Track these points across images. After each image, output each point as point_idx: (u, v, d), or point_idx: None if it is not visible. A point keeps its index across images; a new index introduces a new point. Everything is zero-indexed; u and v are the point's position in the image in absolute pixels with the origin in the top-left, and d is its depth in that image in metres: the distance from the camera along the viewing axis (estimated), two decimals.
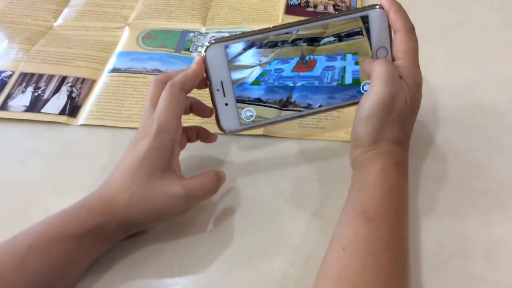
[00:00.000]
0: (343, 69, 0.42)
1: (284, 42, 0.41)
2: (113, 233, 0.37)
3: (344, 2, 0.62)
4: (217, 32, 0.59)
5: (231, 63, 0.40)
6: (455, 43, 0.57)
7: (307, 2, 0.62)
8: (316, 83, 0.42)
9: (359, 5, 0.61)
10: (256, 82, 0.42)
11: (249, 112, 0.42)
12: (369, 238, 0.34)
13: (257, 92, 0.42)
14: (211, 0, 0.64)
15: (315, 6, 0.61)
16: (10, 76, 0.54)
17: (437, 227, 0.40)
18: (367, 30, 0.42)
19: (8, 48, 0.58)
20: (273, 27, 0.41)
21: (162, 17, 0.62)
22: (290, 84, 0.42)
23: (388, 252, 0.33)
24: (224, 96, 0.41)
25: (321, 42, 0.42)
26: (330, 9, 0.61)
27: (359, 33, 0.42)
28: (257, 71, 0.41)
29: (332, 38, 0.42)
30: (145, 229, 0.41)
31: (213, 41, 0.40)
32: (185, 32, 0.59)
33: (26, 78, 0.54)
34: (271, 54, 0.41)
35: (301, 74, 0.42)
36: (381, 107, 0.38)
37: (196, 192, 0.38)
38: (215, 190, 0.39)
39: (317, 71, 0.42)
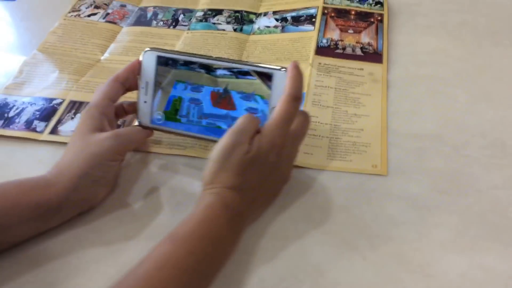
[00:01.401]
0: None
1: (202, 67, 0.48)
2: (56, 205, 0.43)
3: (371, 46, 0.65)
4: None
5: (158, 70, 0.49)
6: (478, 86, 0.60)
7: (336, 44, 0.66)
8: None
9: (385, 50, 0.65)
10: (175, 118, 0.50)
11: (159, 115, 0.50)
12: (163, 255, 0.37)
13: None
14: (246, 41, 0.69)
15: (344, 48, 0.65)
16: (60, 104, 0.59)
17: (460, 258, 0.42)
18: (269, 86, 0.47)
19: (59, 78, 0.62)
20: (200, 55, 0.49)
21: None
22: (224, 126, 0.49)
23: (174, 270, 0.36)
24: (146, 95, 0.50)
25: (235, 73, 0.48)
26: (358, 52, 0.65)
27: (268, 85, 0.47)
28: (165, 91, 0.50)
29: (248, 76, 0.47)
30: (94, 193, 0.46)
31: (148, 49, 0.50)
32: None
33: (75, 106, 0.58)
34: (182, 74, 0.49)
35: (229, 113, 0.48)
36: (220, 153, 0.42)
37: (123, 132, 0.47)
38: (143, 134, 0.49)
39: (241, 112, 0.48)
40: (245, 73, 0.48)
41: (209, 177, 0.43)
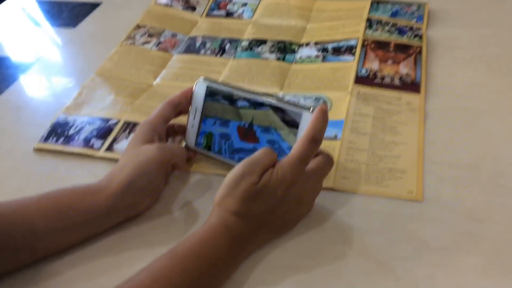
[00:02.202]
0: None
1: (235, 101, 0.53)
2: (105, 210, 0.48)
3: (409, 76, 0.68)
4: (293, 96, 0.67)
5: (206, 99, 0.54)
6: None
7: (375, 74, 0.69)
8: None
9: (423, 81, 0.67)
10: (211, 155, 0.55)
11: (202, 140, 0.55)
12: (159, 269, 0.40)
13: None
14: (288, 69, 0.73)
15: (382, 78, 0.68)
16: (116, 124, 0.64)
17: (491, 284, 0.44)
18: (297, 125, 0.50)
19: (115, 100, 0.68)
20: (244, 89, 0.53)
21: (245, 81, 0.70)
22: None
23: (167, 284, 0.39)
24: (194, 119, 0.55)
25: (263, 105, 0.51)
26: (396, 82, 0.67)
27: (292, 125, 0.50)
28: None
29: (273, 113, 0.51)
30: (140, 200, 0.50)
31: (202, 78, 0.54)
32: None
33: (129, 126, 0.63)
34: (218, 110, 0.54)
35: (255, 146, 0.52)
36: (231, 180, 0.45)
37: (167, 145, 0.53)
38: (184, 152, 0.54)
39: (263, 144, 0.52)
40: (261, 104, 0.51)
41: (218, 200, 0.46)
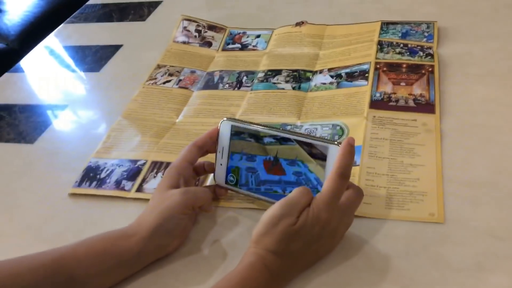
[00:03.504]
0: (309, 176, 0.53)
1: (261, 139, 0.55)
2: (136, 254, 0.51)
3: (423, 97, 0.70)
4: (310, 124, 0.69)
5: (232, 138, 0.56)
6: None
7: (389, 97, 0.70)
8: (292, 187, 0.51)
9: (437, 100, 0.68)
10: (238, 190, 0.58)
11: (231, 178, 0.58)
12: None
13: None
14: (304, 98, 0.75)
15: (397, 101, 0.70)
16: (144, 164, 0.67)
17: None
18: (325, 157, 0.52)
19: (142, 141, 0.71)
20: (271, 127, 0.56)
21: (264, 113, 0.73)
22: (279, 191, 0.55)
23: None
24: (222, 158, 0.57)
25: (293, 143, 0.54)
26: (411, 103, 0.69)
27: (319, 157, 0.52)
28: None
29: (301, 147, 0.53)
30: (168, 242, 0.53)
31: (225, 119, 0.57)
32: (284, 126, 0.70)
33: (156, 166, 0.66)
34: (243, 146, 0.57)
35: (281, 178, 0.55)
36: (270, 219, 0.47)
37: (192, 189, 0.54)
38: (209, 195, 0.56)
39: (289, 176, 0.54)
40: (287, 139, 0.54)
41: (256, 237, 0.48)
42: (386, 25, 0.85)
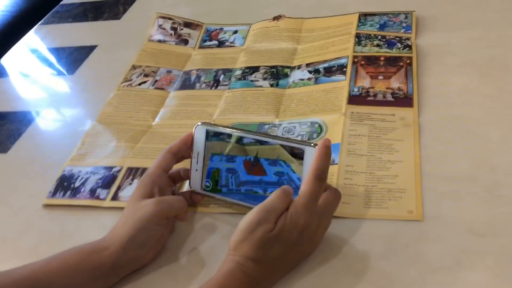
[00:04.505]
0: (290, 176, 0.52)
1: (239, 140, 0.54)
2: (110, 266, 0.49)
3: (401, 90, 0.69)
4: (288, 123, 0.68)
5: (210, 139, 0.55)
6: (509, 123, 0.61)
7: (367, 92, 0.69)
8: (274, 188, 0.50)
9: (415, 93, 0.67)
10: (218, 190, 0.56)
11: (207, 183, 0.56)
12: None
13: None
14: (282, 95, 0.74)
15: (375, 95, 0.69)
16: (119, 171, 0.65)
17: None
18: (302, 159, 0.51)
19: (117, 147, 0.70)
20: (246, 131, 0.55)
21: (241, 112, 0.72)
22: (260, 191, 0.53)
23: None
24: (197, 163, 0.56)
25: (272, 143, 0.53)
26: (389, 97, 0.68)
27: (301, 157, 0.51)
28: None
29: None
30: (142, 254, 0.51)
31: (200, 123, 0.56)
32: (261, 125, 0.69)
33: (132, 172, 0.65)
34: (223, 147, 0.55)
35: (262, 178, 0.53)
36: (247, 226, 0.47)
37: (165, 199, 0.53)
38: (183, 203, 0.54)
39: (271, 176, 0.53)
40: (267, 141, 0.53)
41: (234, 245, 0.47)
42: (364, 17, 0.84)
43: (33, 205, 0.64)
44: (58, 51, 0.98)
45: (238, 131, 0.55)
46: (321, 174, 0.48)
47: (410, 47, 0.76)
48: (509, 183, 0.54)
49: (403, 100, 0.67)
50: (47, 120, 0.81)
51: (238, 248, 0.47)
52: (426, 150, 0.60)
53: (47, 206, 0.64)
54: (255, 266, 0.46)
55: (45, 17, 1.12)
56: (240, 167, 0.55)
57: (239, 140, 0.54)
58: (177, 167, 0.59)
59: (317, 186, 0.48)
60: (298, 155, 0.52)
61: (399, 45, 0.77)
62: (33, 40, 1.05)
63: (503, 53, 0.72)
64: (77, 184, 0.65)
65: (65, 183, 0.65)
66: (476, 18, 0.81)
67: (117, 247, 0.50)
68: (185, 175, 0.59)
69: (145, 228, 0.51)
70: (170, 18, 0.94)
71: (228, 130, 0.55)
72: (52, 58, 0.96)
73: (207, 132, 0.56)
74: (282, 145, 0.52)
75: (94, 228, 0.59)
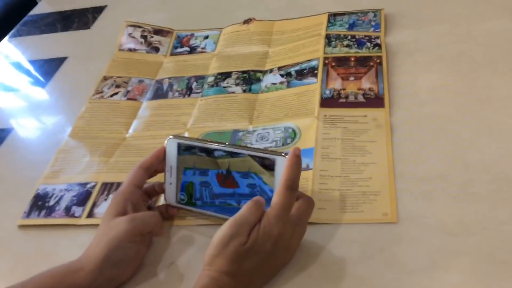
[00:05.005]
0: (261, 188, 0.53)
1: (210, 153, 0.54)
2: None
3: (372, 91, 0.69)
4: (262, 129, 0.68)
5: (182, 153, 0.55)
6: (479, 120, 0.62)
7: (339, 94, 0.70)
8: (247, 199, 0.50)
9: (386, 93, 0.68)
10: (193, 203, 0.56)
11: (182, 196, 0.56)
12: None
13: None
14: (255, 100, 0.74)
15: (347, 97, 0.69)
16: (94, 187, 0.65)
17: None
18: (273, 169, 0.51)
19: (91, 162, 0.69)
20: (217, 142, 0.55)
21: (215, 120, 0.71)
22: (234, 203, 0.53)
23: None
24: (171, 177, 0.56)
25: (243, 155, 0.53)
26: (360, 98, 0.68)
27: (271, 168, 0.51)
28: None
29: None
30: (119, 272, 0.51)
31: (171, 137, 0.56)
32: (235, 132, 0.69)
33: (107, 187, 0.64)
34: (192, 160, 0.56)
35: (235, 191, 0.54)
36: (220, 241, 0.46)
37: (138, 216, 0.52)
38: (157, 219, 0.54)
39: (243, 188, 0.53)
40: (238, 152, 0.53)
41: (208, 259, 0.47)
42: (333, 17, 0.84)
43: (8, 227, 0.63)
44: (28, 64, 0.96)
45: (209, 143, 0.55)
46: (292, 184, 0.48)
47: (379, 46, 0.76)
48: (481, 180, 0.55)
49: (374, 100, 0.68)
50: (19, 137, 0.80)
51: (213, 263, 0.47)
52: (399, 150, 0.61)
53: (22, 226, 0.63)
54: (230, 280, 0.46)
55: (14, 28, 1.10)
56: (213, 180, 0.55)
57: (211, 153, 0.54)
58: (151, 181, 0.59)
59: (289, 196, 0.48)
60: (269, 166, 0.52)
61: (368, 44, 0.77)
62: (2, 53, 1.03)
63: (471, 48, 0.73)
64: (51, 202, 0.64)
65: (40, 202, 0.64)
66: (444, 13, 0.81)
67: (92, 267, 0.49)
68: (159, 189, 0.58)
69: (120, 246, 0.50)
70: (139, 26, 0.93)
71: (199, 143, 0.55)
72: (23, 72, 0.95)
73: (179, 146, 0.56)
74: (252, 156, 0.52)
75: (71, 247, 0.58)
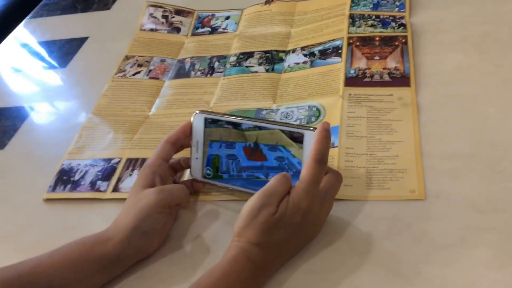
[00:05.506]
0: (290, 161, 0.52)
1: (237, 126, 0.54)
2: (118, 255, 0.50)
3: (398, 70, 0.68)
4: (286, 107, 0.68)
5: (209, 126, 0.55)
6: (507, 99, 0.61)
7: (364, 73, 0.69)
8: (275, 172, 0.50)
9: (412, 73, 0.67)
10: (219, 176, 0.56)
11: (208, 171, 0.56)
12: None
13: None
14: (278, 80, 0.73)
15: (372, 76, 0.68)
16: (118, 162, 0.65)
17: (502, 276, 0.45)
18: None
19: (115, 138, 0.69)
20: (245, 117, 0.55)
21: (238, 99, 0.71)
22: (262, 176, 0.53)
23: None
24: (197, 152, 0.56)
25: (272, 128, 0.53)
26: (386, 78, 0.68)
27: (300, 141, 0.51)
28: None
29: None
30: (147, 243, 0.51)
31: (198, 112, 0.55)
32: (259, 111, 0.69)
33: (131, 163, 0.65)
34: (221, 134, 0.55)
35: (263, 163, 0.53)
36: (249, 211, 0.47)
37: (167, 187, 0.53)
38: (185, 191, 0.54)
39: (271, 161, 0.53)
40: (293, 138, 0.52)
41: (238, 231, 0.47)
42: None
43: (33, 201, 0.64)
44: (49, 44, 0.97)
45: (237, 117, 0.54)
46: (321, 158, 0.48)
47: (404, 26, 0.75)
48: (509, 159, 0.54)
49: (400, 80, 0.67)
50: (42, 115, 0.80)
51: (242, 234, 0.47)
52: (425, 129, 0.60)
53: (48, 200, 0.63)
54: (259, 251, 0.47)
55: (34, 10, 1.10)
56: (240, 153, 0.55)
57: (238, 126, 0.54)
58: (176, 156, 0.59)
59: (318, 169, 0.48)
60: (297, 139, 0.51)
61: (393, 24, 0.76)
62: (23, 34, 1.03)
63: (497, 28, 0.72)
64: (76, 177, 0.64)
65: (65, 177, 0.65)
66: None
67: (122, 237, 0.50)
68: (185, 164, 0.59)
69: (149, 217, 0.50)
70: (160, 6, 0.92)
71: (226, 117, 0.55)
72: (44, 52, 0.95)
73: (206, 120, 0.56)
74: (281, 130, 0.52)
75: (97, 220, 0.59)
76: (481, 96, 0.63)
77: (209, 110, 0.57)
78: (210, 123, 0.56)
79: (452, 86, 0.65)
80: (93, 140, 0.70)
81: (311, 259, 0.50)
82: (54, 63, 0.91)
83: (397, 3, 0.80)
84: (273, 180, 0.48)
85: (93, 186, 0.63)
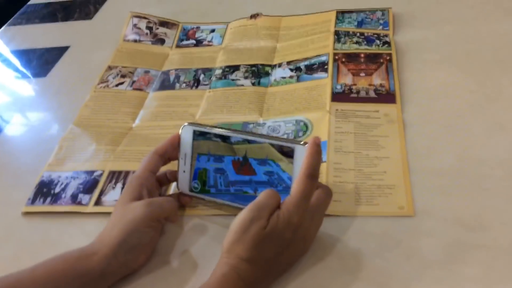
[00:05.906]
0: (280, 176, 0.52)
1: (226, 139, 0.53)
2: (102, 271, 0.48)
3: (383, 86, 0.69)
4: (273, 122, 0.68)
5: (196, 138, 0.54)
6: (491, 116, 0.62)
7: (350, 89, 0.69)
8: (264, 187, 0.50)
9: (397, 89, 0.68)
10: (206, 190, 0.55)
11: (196, 185, 0.55)
12: None
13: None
14: (265, 93, 0.73)
15: (358, 92, 0.69)
16: (101, 175, 0.63)
17: None
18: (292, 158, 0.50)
19: (97, 150, 0.67)
20: (234, 130, 0.54)
21: (224, 112, 0.71)
22: (250, 191, 0.53)
23: None
24: (184, 165, 0.55)
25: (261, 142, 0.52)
26: (372, 94, 0.68)
27: (291, 156, 0.51)
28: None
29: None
30: (133, 258, 0.50)
31: (186, 124, 0.55)
32: (245, 124, 0.68)
33: (114, 176, 0.63)
34: (208, 146, 0.55)
35: (251, 178, 0.53)
36: (240, 225, 0.46)
37: (155, 200, 0.52)
38: (174, 204, 0.54)
39: (260, 176, 0.52)
40: (283, 153, 0.52)
41: (227, 246, 0.46)
42: (341, 14, 0.84)
43: (11, 214, 0.61)
44: (28, 53, 0.94)
45: (227, 130, 0.54)
46: (313, 173, 0.47)
47: (389, 43, 0.76)
48: (496, 176, 0.55)
49: (386, 96, 0.68)
50: (18, 126, 0.78)
51: (232, 249, 0.46)
52: (412, 145, 0.61)
53: (26, 214, 0.61)
54: (249, 267, 0.46)
55: (11, 18, 1.08)
56: (228, 167, 0.54)
57: (227, 139, 0.53)
58: (163, 169, 0.58)
59: (310, 184, 0.47)
60: (287, 153, 0.51)
61: (378, 41, 0.77)
62: (0, 41, 1.00)
63: (479, 47, 0.74)
64: (57, 189, 0.62)
65: (45, 189, 0.63)
66: (451, 14, 0.82)
67: (107, 251, 0.48)
68: (172, 177, 0.57)
69: (136, 230, 0.49)
70: (145, 17, 0.92)
71: (216, 130, 0.54)
72: (22, 61, 0.93)
73: (194, 133, 0.55)
74: (271, 144, 0.51)
75: (78, 234, 0.57)
76: (465, 112, 0.64)
77: (198, 123, 0.56)
78: (199, 135, 0.55)
79: (437, 102, 0.66)
80: (74, 151, 0.68)
81: (301, 276, 0.49)
82: (34, 72, 0.89)
83: (381, 21, 0.81)
84: (263, 194, 0.48)
85: (74, 199, 0.61)
